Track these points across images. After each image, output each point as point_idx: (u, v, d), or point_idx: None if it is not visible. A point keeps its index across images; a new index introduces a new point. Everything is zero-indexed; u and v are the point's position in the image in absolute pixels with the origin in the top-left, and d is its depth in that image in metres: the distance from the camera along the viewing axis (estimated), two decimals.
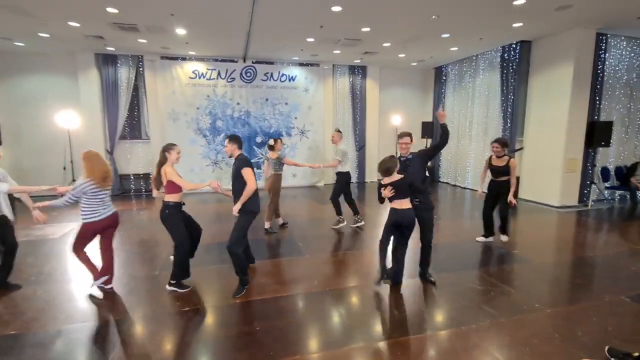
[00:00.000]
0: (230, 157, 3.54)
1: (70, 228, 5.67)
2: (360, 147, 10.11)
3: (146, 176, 8.71)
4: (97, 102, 8.13)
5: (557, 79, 6.71)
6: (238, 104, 8.85)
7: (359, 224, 5.61)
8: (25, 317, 2.94)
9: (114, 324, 2.87)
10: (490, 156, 4.69)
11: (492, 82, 8.11)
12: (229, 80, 8.69)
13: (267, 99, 9.05)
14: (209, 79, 8.58)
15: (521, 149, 7.55)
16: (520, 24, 6.04)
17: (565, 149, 6.61)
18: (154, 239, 5.28)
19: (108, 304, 3.22)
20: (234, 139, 3.46)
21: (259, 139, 9.15)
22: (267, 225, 5.46)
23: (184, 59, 8.42)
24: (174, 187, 3.34)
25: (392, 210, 3.29)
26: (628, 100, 7.32)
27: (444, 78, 9.89)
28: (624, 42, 6.95)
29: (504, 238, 4.82)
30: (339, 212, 5.55)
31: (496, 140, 4.58)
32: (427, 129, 10.15)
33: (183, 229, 3.43)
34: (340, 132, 5.66)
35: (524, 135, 7.52)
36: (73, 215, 6.53)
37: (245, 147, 8.62)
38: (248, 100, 8.91)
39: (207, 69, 8.53)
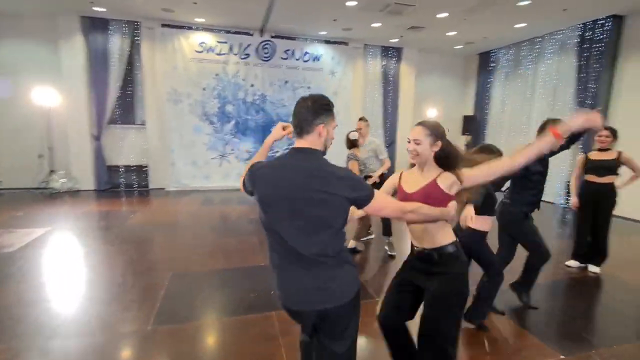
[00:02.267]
0: None
1: (36, 236, 4.24)
2: (390, 143, 8.69)
3: (139, 169, 7.27)
4: (81, 76, 6.65)
5: None
6: (252, 85, 7.39)
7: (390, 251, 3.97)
8: None
9: None
10: (585, 153, 3.59)
11: (563, 68, 6.68)
12: (242, 56, 7.23)
13: (286, 82, 7.60)
14: (219, 53, 7.11)
15: None
16: None
17: None
18: (148, 257, 3.85)
19: None
20: None
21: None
22: (352, 244, 3.93)
23: (189, 28, 6.94)
24: None
25: None
26: None
27: (492, 65, 8.44)
28: None
29: (594, 269, 3.52)
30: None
31: (607, 128, 3.40)
32: (469, 123, 8.76)
33: None
34: (367, 121, 4.00)
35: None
36: (46, 217, 5.10)
37: (258, 138, 7.25)
38: (264, 82, 7.45)
39: (218, 42, 7.06)
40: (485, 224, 2.26)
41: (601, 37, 5.88)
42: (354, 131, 3.67)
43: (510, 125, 7.99)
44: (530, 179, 2.58)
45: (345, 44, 7.88)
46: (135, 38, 6.82)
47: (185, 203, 6.35)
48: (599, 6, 5.41)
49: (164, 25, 6.83)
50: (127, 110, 7.21)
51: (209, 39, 7.03)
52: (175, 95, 7.00)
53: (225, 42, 7.08)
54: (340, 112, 8.01)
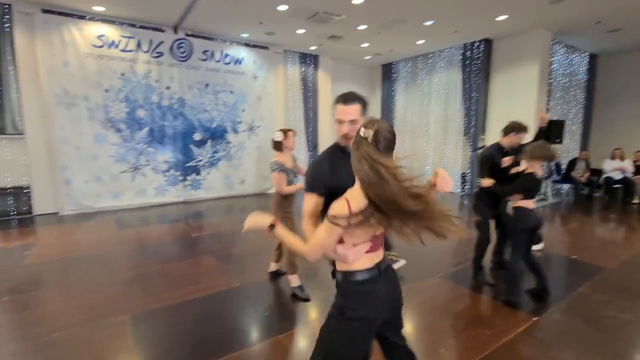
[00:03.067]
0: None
1: None
2: (313, 147, 8.97)
3: (19, 191, 5.66)
4: None
5: (521, 78, 6.96)
6: (168, 88, 6.60)
7: None
8: None
9: None
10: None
11: (451, 80, 8.08)
12: (154, 55, 6.40)
13: (207, 85, 7.05)
14: (125, 50, 6.13)
15: (483, 146, 7.68)
16: (505, 17, 5.95)
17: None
18: (84, 301, 3.04)
19: None
20: None
21: (197, 136, 7.04)
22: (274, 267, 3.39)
23: (81, 17, 5.77)
24: None
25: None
26: (563, 103, 8.20)
27: (394, 75, 9.60)
28: (564, 49, 7.73)
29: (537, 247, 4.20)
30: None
31: None
32: None
33: None
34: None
35: (485, 133, 7.68)
36: None
37: (178, 147, 6.60)
38: (182, 85, 6.75)
39: (122, 37, 6.07)
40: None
41: (479, 55, 7.36)
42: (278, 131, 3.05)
43: (412, 127, 9.20)
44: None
45: (266, 48, 7.79)
46: (5, 24, 5.31)
47: (93, 228, 5.24)
48: (477, 30, 6.77)
49: (45, 11, 5.51)
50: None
51: (110, 31, 5.99)
52: (67, 97, 5.71)
53: (132, 37, 6.15)
54: (265, 118, 7.91)
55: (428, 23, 6.28)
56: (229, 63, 7.26)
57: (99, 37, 5.89)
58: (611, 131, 8.67)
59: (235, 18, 6.08)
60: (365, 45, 7.78)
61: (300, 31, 6.75)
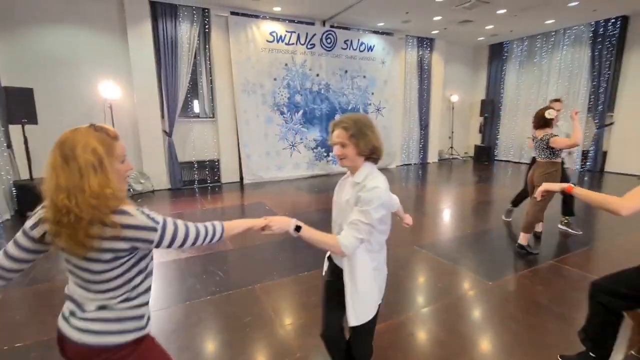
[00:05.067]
0: None
1: None
2: (425, 126, 9.57)
3: (212, 164, 7.01)
4: (151, 67, 6.17)
5: None
6: (317, 75, 7.56)
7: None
8: None
9: None
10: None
11: (577, 58, 8.13)
12: (308, 46, 7.34)
13: (346, 71, 7.90)
14: (288, 43, 7.12)
15: (612, 123, 7.77)
16: None
17: None
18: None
19: None
20: None
21: (338, 117, 7.98)
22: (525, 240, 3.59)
23: (257, 16, 6.82)
24: None
25: None
26: None
27: (505, 55, 9.75)
28: None
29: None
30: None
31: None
32: (485, 106, 9.98)
33: None
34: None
35: (614, 111, 7.74)
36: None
37: (324, 127, 7.50)
38: (328, 72, 7.66)
39: (287, 31, 7.06)
40: None
41: (614, 32, 7.37)
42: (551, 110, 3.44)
43: (525, 106, 9.38)
44: None
45: (391, 34, 8.42)
46: (205, 26, 6.50)
47: (281, 192, 6.42)
48: (615, 6, 6.78)
49: (233, 13, 6.61)
50: (195, 103, 6.86)
51: (279, 28, 6.99)
52: (248, 85, 6.87)
53: (294, 32, 7.12)
54: (389, 100, 8.63)
55: (572, 4, 6.48)
56: (363, 50, 8.02)
57: (271, 33, 6.91)
58: None
59: (386, 10, 6.76)
60: (490, 27, 8.09)
61: (437, 18, 7.28)
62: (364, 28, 8.00)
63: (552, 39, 8.59)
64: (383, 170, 8.71)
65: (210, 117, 6.96)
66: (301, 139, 7.60)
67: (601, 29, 7.57)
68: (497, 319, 2.44)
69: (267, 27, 6.89)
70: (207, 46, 6.64)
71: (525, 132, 9.41)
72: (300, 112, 7.49)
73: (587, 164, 8.11)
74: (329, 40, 7.52)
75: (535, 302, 2.65)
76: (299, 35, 7.17)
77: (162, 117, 6.40)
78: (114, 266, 0.96)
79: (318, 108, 7.67)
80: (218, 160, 7.05)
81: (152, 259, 1.09)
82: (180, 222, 1.05)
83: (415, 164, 9.64)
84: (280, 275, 3.12)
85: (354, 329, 1.46)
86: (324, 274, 1.67)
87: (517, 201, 4.49)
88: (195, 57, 6.56)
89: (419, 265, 3.38)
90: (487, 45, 10.13)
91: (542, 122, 3.57)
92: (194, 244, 1.08)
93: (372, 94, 8.36)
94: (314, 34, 7.33)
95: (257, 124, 7.06)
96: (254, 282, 2.97)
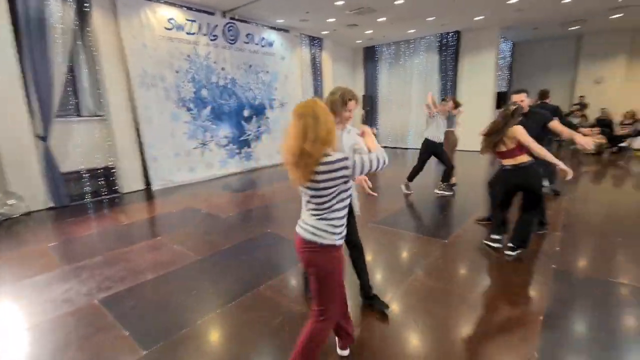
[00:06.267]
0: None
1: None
2: None
3: (107, 171, 5.84)
4: (7, 49, 4.67)
5: (483, 60, 9.54)
6: (223, 69, 7.19)
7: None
8: None
9: None
10: None
11: (430, 62, 10.30)
12: (211, 37, 6.89)
13: (250, 65, 7.78)
14: (190, 33, 6.52)
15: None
16: (481, 17, 8.24)
17: (491, 110, 9.66)
18: None
19: None
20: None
21: (246, 112, 7.81)
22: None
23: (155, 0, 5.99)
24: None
25: None
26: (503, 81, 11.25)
27: (377, 57, 11.42)
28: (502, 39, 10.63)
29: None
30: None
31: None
32: (366, 101, 11.51)
33: None
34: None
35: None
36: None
37: (233, 123, 7.36)
38: (233, 66, 7.38)
39: (187, 20, 6.44)
40: None
41: (453, 42, 9.68)
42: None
43: (396, 101, 11.28)
44: None
45: (287, 31, 8.72)
46: (84, 4, 5.30)
47: (207, 194, 5.93)
48: (455, 24, 8.98)
49: None
50: (77, 99, 5.54)
51: (177, 15, 6.31)
52: (147, 77, 5.99)
53: (195, 21, 6.55)
54: (291, 95, 8.98)
55: (430, 19, 8.21)
56: (264, 46, 8.05)
57: (169, 20, 6.19)
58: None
59: (289, 7, 7.00)
60: (370, 32, 9.36)
61: (331, 20, 7.98)
62: (263, 23, 8.03)
63: (412, 45, 10.60)
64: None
65: (99, 116, 5.77)
66: (212, 136, 7.12)
67: (444, 40, 9.82)
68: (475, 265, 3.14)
69: (165, 13, 6.14)
70: (88, 29, 5.45)
71: (400, 123, 11.34)
72: (209, 107, 7.00)
73: None
74: (231, 33, 7.24)
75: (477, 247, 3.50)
76: (200, 25, 6.65)
77: (32, 117, 4.96)
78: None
79: (226, 103, 7.33)
80: (114, 167, 5.92)
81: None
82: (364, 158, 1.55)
83: None
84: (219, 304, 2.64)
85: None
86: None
87: (412, 176, 5.55)
88: (75, 42, 5.31)
89: (383, 239, 3.87)
90: (362, 48, 11.62)
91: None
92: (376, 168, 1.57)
93: (276, 89, 8.50)
94: (216, 25, 6.93)
95: (161, 122, 6.25)
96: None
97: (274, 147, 8.56)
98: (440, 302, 2.53)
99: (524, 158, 2.97)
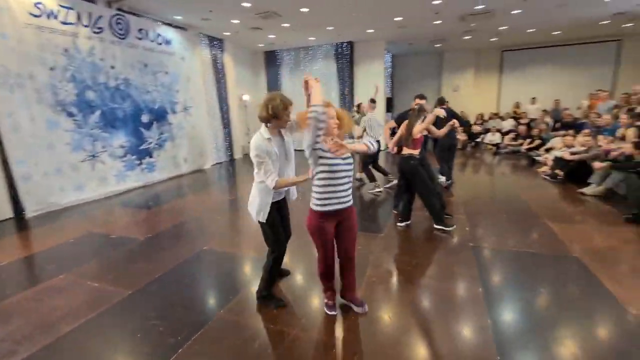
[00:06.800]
0: None
1: None
2: (227, 124, 9.89)
3: None
4: None
5: (374, 69, 10.68)
6: (113, 67, 6.15)
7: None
8: None
9: None
10: None
11: (328, 69, 10.95)
12: (95, 30, 5.82)
13: (146, 65, 6.87)
14: (66, 22, 5.36)
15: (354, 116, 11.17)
16: (372, 30, 9.21)
17: (383, 113, 10.90)
18: None
19: None
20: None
21: (145, 118, 6.86)
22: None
23: None
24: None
25: None
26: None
27: (279, 62, 11.53)
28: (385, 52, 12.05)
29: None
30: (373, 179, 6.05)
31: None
32: None
33: None
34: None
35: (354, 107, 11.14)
36: None
37: (130, 130, 6.63)
38: (125, 64, 6.39)
39: (60, 6, 5.27)
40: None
41: (347, 52, 10.53)
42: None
43: (298, 105, 11.57)
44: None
45: (185, 29, 8.02)
46: None
47: (108, 216, 4.99)
48: (349, 35, 9.81)
49: None
50: None
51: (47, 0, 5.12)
52: (9, 77, 4.68)
53: (71, 9, 5.42)
54: (195, 98, 8.35)
55: (329, 28, 8.76)
56: (161, 43, 7.23)
57: (36, 4, 4.97)
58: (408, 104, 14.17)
59: (191, 4, 6.46)
60: (272, 36, 9.39)
61: (236, 21, 7.70)
62: (157, 18, 7.18)
63: (311, 52, 11.07)
64: (197, 171, 8.28)
65: None
66: (103, 146, 6.03)
67: (339, 49, 10.60)
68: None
69: None
70: None
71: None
72: (97, 112, 5.90)
73: None
74: (120, 26, 6.26)
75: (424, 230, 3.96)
76: (79, 14, 5.54)
77: None
78: None
79: (120, 107, 6.31)
80: None
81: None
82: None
83: (225, 161, 9.81)
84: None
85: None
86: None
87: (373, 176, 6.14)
88: None
89: None
90: (262, 52, 11.55)
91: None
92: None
93: (178, 91, 7.74)
94: (100, 16, 5.89)
95: (34, 131, 4.98)
96: None
97: (180, 155, 7.79)
98: (400, 291, 2.79)
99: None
